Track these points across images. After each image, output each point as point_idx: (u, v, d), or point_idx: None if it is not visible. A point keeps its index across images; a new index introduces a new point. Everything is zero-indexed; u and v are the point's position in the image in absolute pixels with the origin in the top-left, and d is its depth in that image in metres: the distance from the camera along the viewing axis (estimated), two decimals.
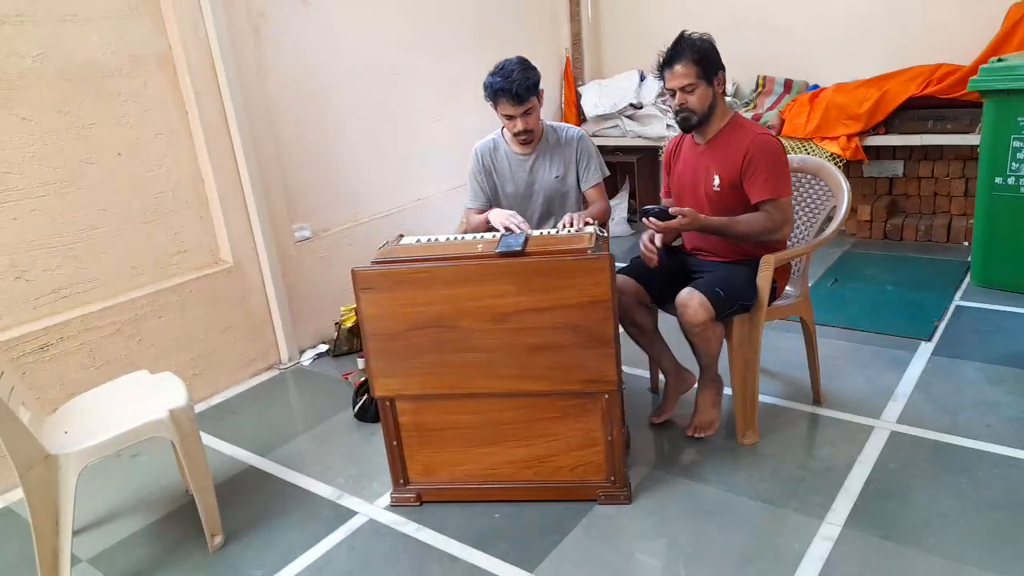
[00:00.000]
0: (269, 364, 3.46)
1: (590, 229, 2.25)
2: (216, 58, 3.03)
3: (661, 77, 2.37)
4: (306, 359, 3.51)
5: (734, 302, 2.31)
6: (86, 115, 2.74)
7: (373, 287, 2.12)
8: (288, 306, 3.44)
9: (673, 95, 2.35)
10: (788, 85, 4.70)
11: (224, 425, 2.98)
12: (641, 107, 4.97)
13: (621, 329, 2.47)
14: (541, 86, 2.55)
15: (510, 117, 2.51)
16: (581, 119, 5.18)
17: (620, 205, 5.22)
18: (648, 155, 5.18)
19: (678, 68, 2.29)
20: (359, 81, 3.75)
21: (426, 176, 4.17)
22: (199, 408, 3.13)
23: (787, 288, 2.63)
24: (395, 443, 2.27)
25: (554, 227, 2.52)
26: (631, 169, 5.25)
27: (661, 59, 2.35)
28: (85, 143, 2.75)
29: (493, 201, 2.73)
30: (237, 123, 3.11)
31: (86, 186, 2.78)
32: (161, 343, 3.02)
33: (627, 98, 4.96)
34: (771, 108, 4.60)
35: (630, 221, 5.21)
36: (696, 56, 2.28)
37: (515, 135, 2.57)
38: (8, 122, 2.56)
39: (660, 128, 4.85)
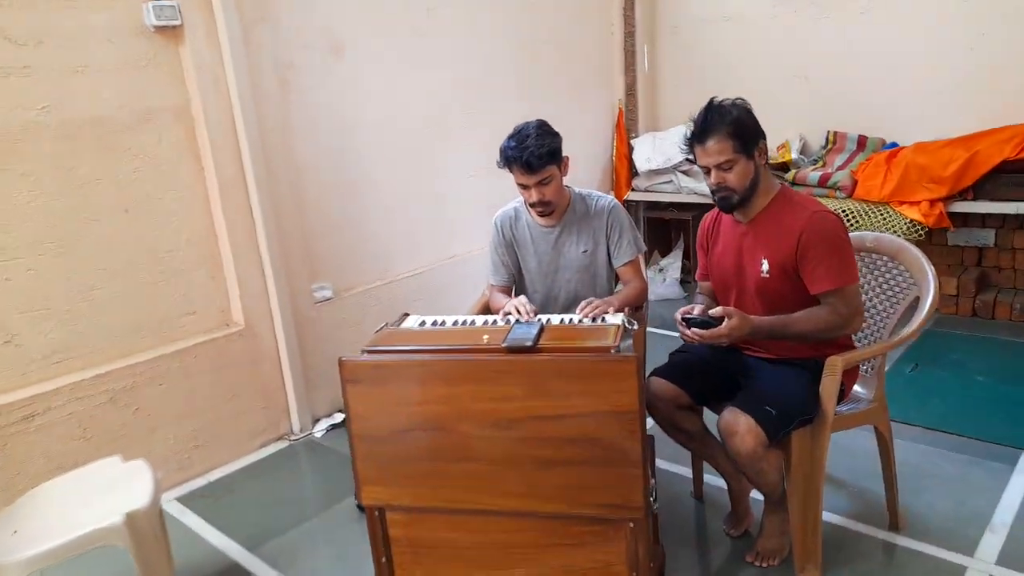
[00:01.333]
0: (279, 434, 3.21)
1: (617, 319, 1.92)
2: (236, 112, 2.86)
3: (691, 152, 2.05)
4: (319, 430, 3.26)
5: (790, 420, 1.93)
6: (90, 171, 2.59)
7: (362, 380, 1.84)
8: (302, 372, 3.21)
9: (708, 172, 2.03)
10: (862, 142, 4.28)
11: (218, 507, 2.73)
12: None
13: (660, 431, 2.13)
14: (566, 152, 2.27)
15: (524, 187, 2.24)
16: (633, 173, 4.87)
17: (673, 265, 4.85)
18: (704, 212, 4.80)
19: (711, 144, 1.97)
20: (392, 134, 3.54)
21: (461, 233, 3.91)
22: (197, 484, 2.90)
23: (856, 388, 2.23)
24: (384, 559, 1.95)
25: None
26: (685, 227, 4.89)
27: (689, 132, 2.04)
28: (87, 200, 2.59)
29: (516, 276, 2.44)
30: (255, 179, 2.92)
31: (87, 245, 2.61)
32: (160, 413, 2.81)
33: (682, 152, 4.62)
34: (842, 167, 4.19)
35: (683, 282, 4.83)
36: (731, 127, 1.95)
37: (531, 206, 2.29)
38: (6, 178, 2.41)
39: None
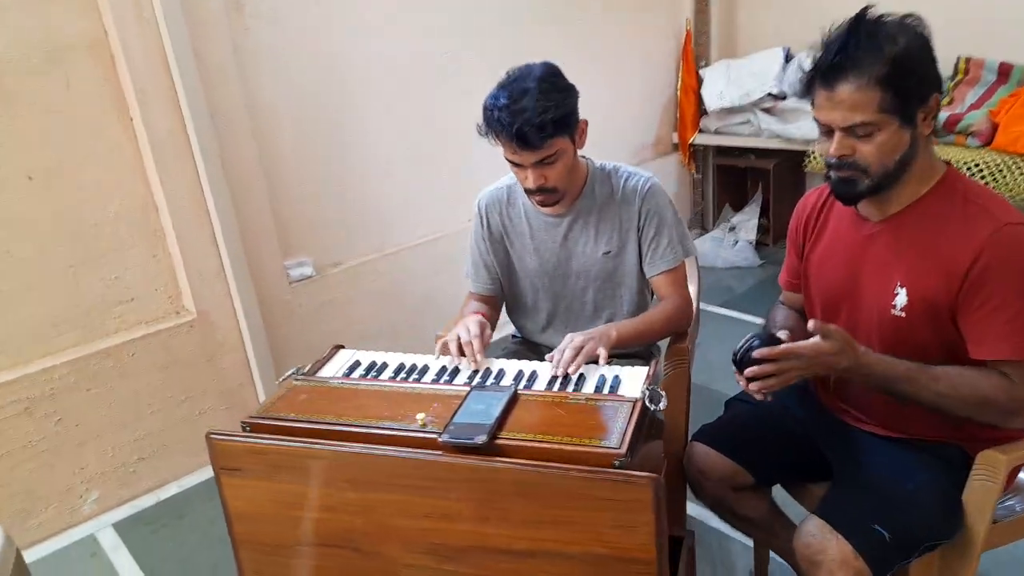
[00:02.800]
0: None
1: (633, 390, 1.22)
2: (167, 46, 2.21)
3: (808, 94, 1.27)
4: None
5: (912, 547, 1.22)
6: None
7: (241, 468, 1.23)
8: (275, 365, 2.64)
9: (827, 134, 1.25)
10: (1005, 72, 3.28)
11: (155, 539, 2.25)
12: (784, 98, 3.71)
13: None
14: (585, 114, 1.52)
15: (518, 166, 1.51)
16: (701, 112, 4.00)
17: (747, 224, 4.02)
18: (789, 161, 3.93)
19: (846, 90, 1.18)
20: (393, 75, 2.83)
21: (476, 193, 3.20)
22: (145, 503, 2.42)
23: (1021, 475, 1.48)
24: None
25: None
26: (765, 177, 4.02)
27: (813, 62, 1.24)
28: None
29: (506, 283, 1.74)
30: (196, 131, 2.29)
31: None
32: (90, 422, 2.31)
33: (766, 85, 3.71)
34: (975, 106, 3.23)
35: (759, 246, 4.01)
36: (888, 69, 1.15)
37: (527, 193, 1.57)
38: None
39: (808, 128, 3.60)
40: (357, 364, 1.43)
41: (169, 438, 2.48)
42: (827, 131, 1.24)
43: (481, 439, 1.08)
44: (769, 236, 4.08)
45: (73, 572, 2.16)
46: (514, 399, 1.20)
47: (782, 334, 1.27)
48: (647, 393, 1.16)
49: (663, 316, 1.57)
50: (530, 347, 1.77)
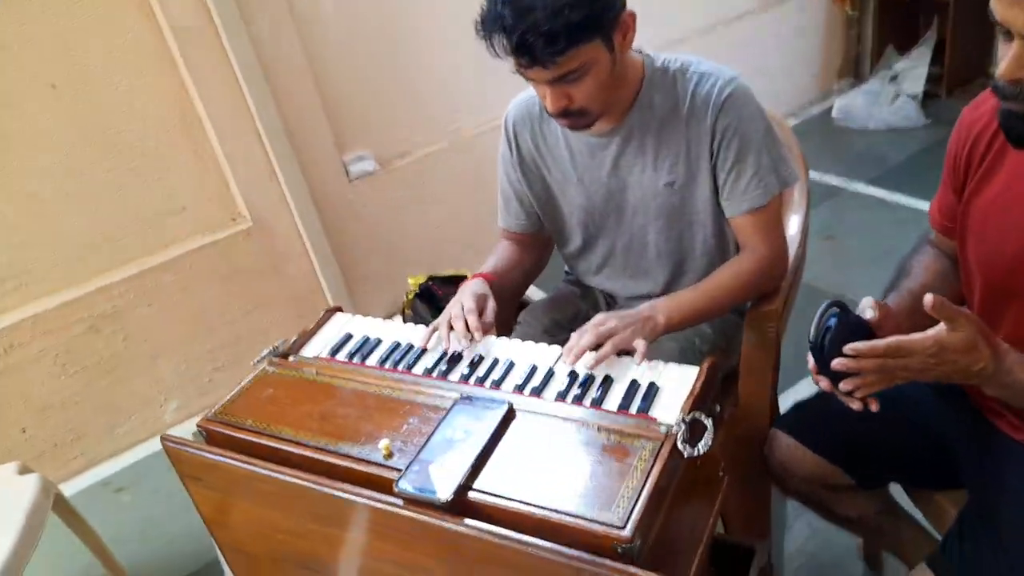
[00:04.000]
0: None
1: (671, 410, 0.87)
2: None
3: None
4: None
5: None
6: None
7: (200, 478, 1.04)
8: (343, 271, 2.47)
9: (1007, 37, 0.76)
10: None
11: None
12: None
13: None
14: (628, 6, 1.05)
15: (533, 81, 1.09)
16: None
17: (913, 72, 3.24)
18: None
19: None
20: None
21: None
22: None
23: None
24: None
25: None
26: (943, 13, 3.16)
27: None
28: None
29: (548, 219, 1.36)
30: (220, 16, 1.99)
31: (9, 138, 1.93)
32: (158, 337, 2.26)
33: None
34: None
35: (928, 99, 3.24)
36: None
37: (551, 115, 1.15)
38: None
39: None
40: (347, 339, 1.17)
41: (242, 347, 2.41)
42: (1006, 33, 0.75)
43: (445, 495, 0.80)
44: (942, 87, 3.28)
45: (162, 478, 2.20)
46: (508, 419, 0.89)
47: (868, 311, 0.86)
48: (683, 426, 0.82)
49: (736, 280, 1.15)
50: (584, 291, 1.43)
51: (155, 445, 2.32)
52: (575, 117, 1.10)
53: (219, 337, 2.36)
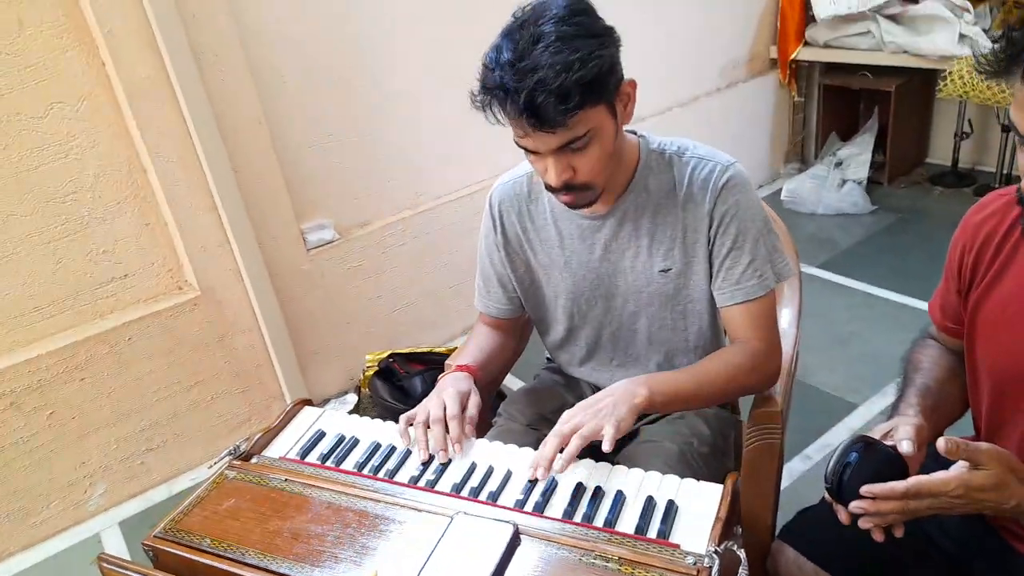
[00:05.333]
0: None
1: (698, 536, 0.79)
2: None
3: (1006, 72, 0.75)
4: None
5: None
6: None
7: None
8: (295, 344, 2.33)
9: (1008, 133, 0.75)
10: None
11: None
12: (917, 1, 2.98)
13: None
14: (626, 75, 1.02)
15: (532, 153, 1.03)
16: (808, 20, 3.29)
17: (857, 158, 3.37)
18: (917, 82, 3.22)
19: None
20: None
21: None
22: (157, 497, 2.20)
23: None
24: None
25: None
26: (884, 101, 3.32)
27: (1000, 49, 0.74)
28: None
29: (530, 304, 1.30)
30: (176, 73, 1.89)
31: None
32: (89, 414, 2.07)
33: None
34: None
35: (871, 186, 3.36)
36: None
37: (549, 190, 1.09)
38: None
39: (946, 40, 2.88)
40: (319, 437, 1.05)
41: (180, 427, 2.23)
42: (1022, 140, 0.75)
43: None
44: (884, 174, 3.42)
45: (77, 573, 1.98)
46: (513, 545, 0.79)
47: (905, 444, 0.83)
48: (716, 559, 0.73)
49: (726, 371, 1.09)
50: (567, 380, 1.35)
51: (75, 536, 2.10)
52: (578, 192, 1.04)
53: (155, 413, 2.18)
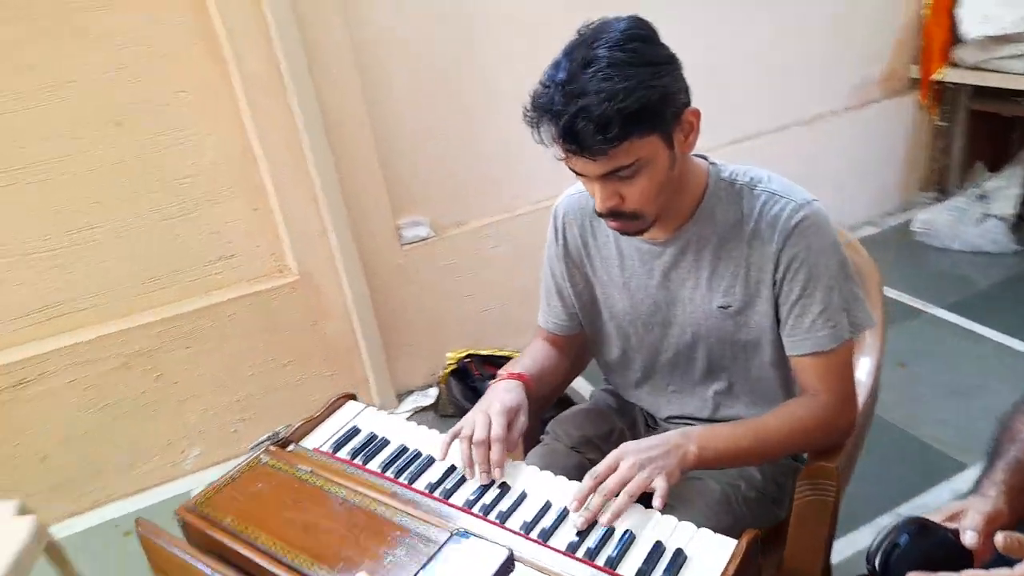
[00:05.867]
0: None
1: None
2: None
3: None
4: (405, 409, 2.49)
5: None
6: (57, 68, 1.87)
7: (167, 573, 0.95)
8: (382, 336, 2.41)
9: None
10: None
11: None
12: None
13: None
14: (691, 103, 0.96)
15: (582, 176, 0.99)
16: (955, 39, 3.01)
17: (1004, 192, 3.05)
18: None
19: None
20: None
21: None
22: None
23: None
24: None
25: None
26: None
27: None
28: (62, 109, 1.91)
29: (587, 321, 1.27)
30: (290, 70, 2.00)
31: (73, 171, 1.97)
32: (190, 380, 2.23)
33: None
34: None
35: (1018, 224, 3.04)
36: None
37: (597, 215, 1.05)
38: None
39: None
40: (354, 432, 1.08)
41: (271, 401, 2.36)
42: None
43: None
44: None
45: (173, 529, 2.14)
46: (504, 571, 0.78)
47: (969, 536, 0.74)
48: None
49: (789, 425, 1.01)
50: (621, 404, 1.31)
51: (170, 491, 2.27)
52: (626, 220, 1.00)
53: (250, 387, 2.32)
